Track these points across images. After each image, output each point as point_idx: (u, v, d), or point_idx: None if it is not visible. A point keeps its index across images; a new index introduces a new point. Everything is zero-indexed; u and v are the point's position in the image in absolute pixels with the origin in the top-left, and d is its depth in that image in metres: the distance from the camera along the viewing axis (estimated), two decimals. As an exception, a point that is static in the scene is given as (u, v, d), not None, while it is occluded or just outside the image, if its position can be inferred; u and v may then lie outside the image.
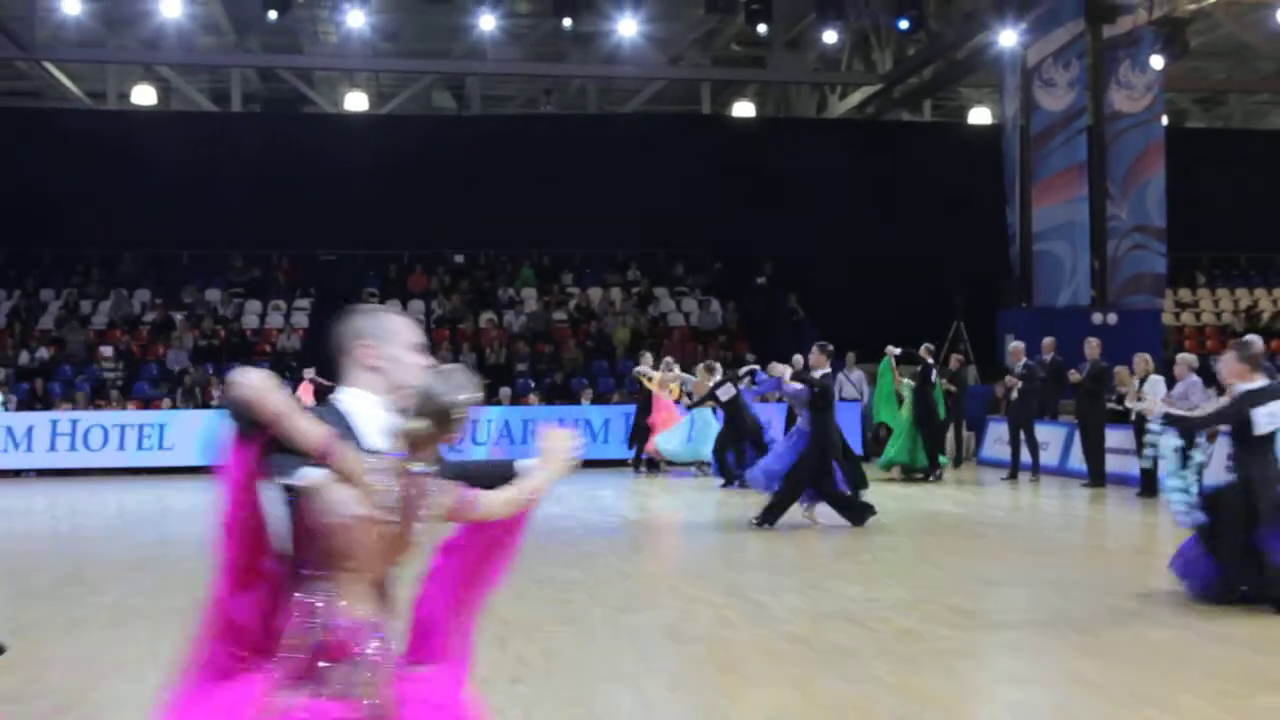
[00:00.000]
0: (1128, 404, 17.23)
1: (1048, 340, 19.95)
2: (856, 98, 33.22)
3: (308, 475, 3.21)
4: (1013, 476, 19.51)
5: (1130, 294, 25.98)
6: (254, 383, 3.25)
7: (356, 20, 25.05)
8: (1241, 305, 30.96)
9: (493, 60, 29.29)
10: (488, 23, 23.28)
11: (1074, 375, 18.50)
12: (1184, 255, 29.48)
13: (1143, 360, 17.28)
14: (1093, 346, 18.62)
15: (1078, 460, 19.22)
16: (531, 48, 30.45)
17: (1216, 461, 12.10)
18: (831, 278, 28.81)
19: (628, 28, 23.32)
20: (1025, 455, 19.49)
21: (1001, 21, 24.52)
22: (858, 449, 20.96)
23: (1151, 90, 26.42)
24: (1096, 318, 24.30)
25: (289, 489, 3.25)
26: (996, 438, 21.71)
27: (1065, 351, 19.50)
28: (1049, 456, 20.12)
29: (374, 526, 3.26)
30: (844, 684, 6.76)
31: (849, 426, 21.66)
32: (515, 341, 27.50)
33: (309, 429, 3.24)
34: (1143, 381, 17.01)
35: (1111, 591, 9.71)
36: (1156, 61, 25.62)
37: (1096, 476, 18.28)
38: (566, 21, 23.09)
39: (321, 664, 3.26)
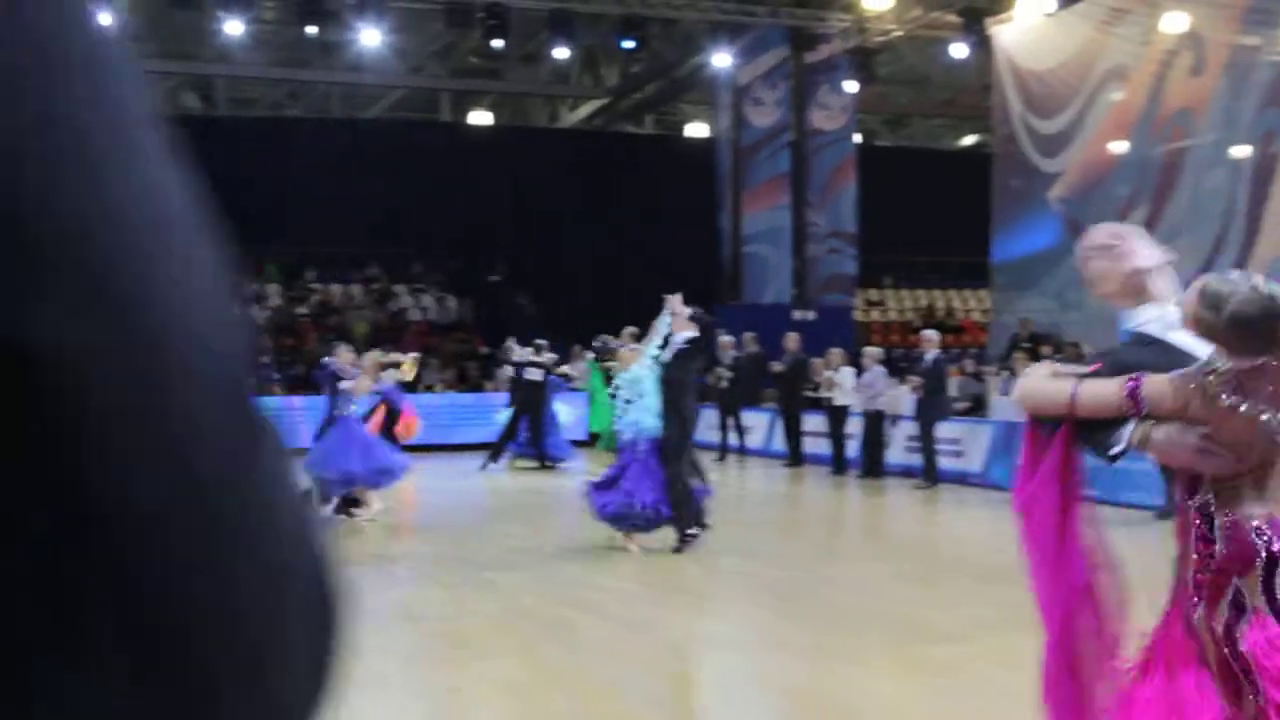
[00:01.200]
0: (822, 392, 17.90)
1: (749, 334, 20.53)
2: (585, 110, 33.50)
3: (1127, 437, 2.97)
4: (721, 458, 20.02)
5: (826, 293, 26.96)
6: (1024, 388, 3.19)
7: (103, 20, 23.78)
8: (921, 304, 32.43)
9: (239, 64, 28.35)
10: (234, 27, 22.47)
11: (775, 366, 19.10)
12: (873, 259, 30.65)
13: (836, 353, 18.02)
14: (792, 340, 19.24)
15: (779, 443, 19.85)
16: (277, 52, 29.57)
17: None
18: (560, 276, 28.96)
19: (371, 37, 22.87)
20: (733, 438, 20.05)
21: (716, 45, 25.07)
22: (585, 436, 21.30)
23: (846, 111, 27.46)
24: (797, 314, 25.11)
25: (1115, 457, 3.02)
26: (707, 423, 22.19)
27: (769, 345, 20.09)
28: (753, 440, 20.71)
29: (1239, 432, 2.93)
30: (564, 652, 6.82)
31: (582, 416, 22.01)
32: (259, 335, 26.68)
33: (1104, 393, 2.98)
34: (834, 371, 17.73)
35: (805, 559, 10.08)
36: (850, 86, 26.62)
37: (795, 457, 18.93)
38: (312, 29, 22.49)
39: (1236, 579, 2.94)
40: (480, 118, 34.33)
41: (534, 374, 19.13)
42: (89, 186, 0.41)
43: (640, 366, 10.48)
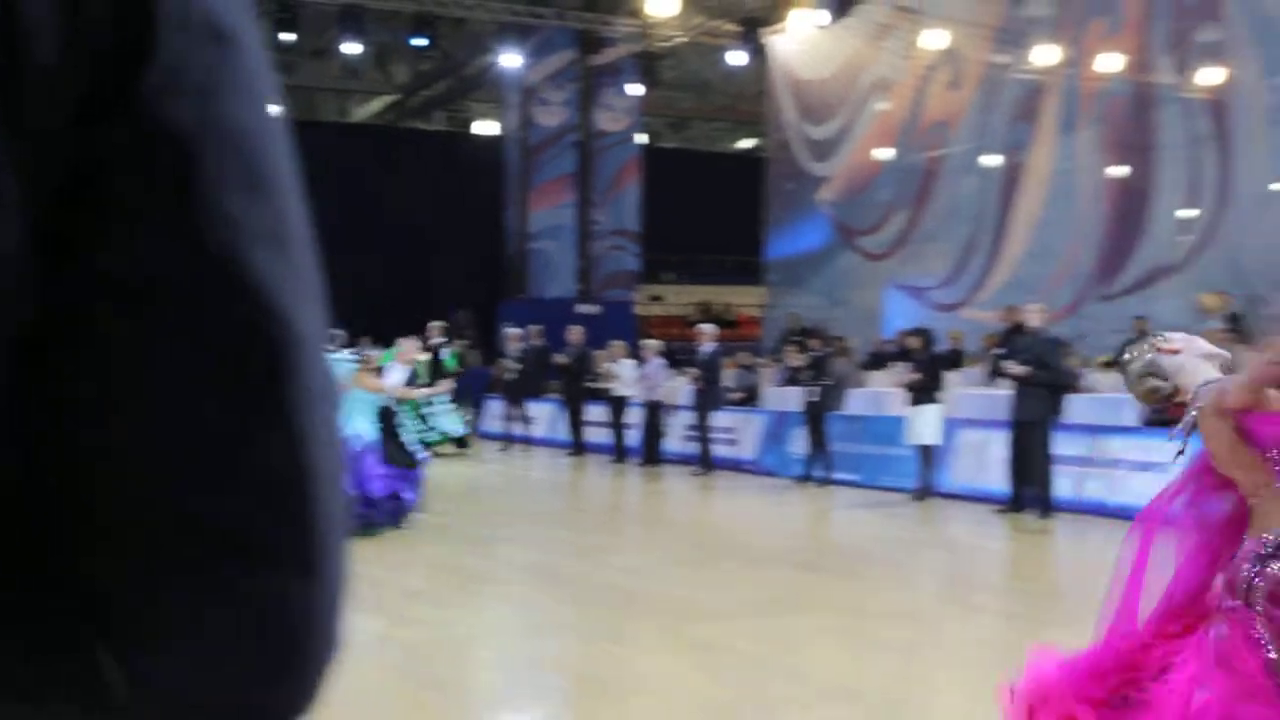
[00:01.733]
0: (604, 384, 17.97)
1: (535, 328, 20.47)
2: (376, 105, 32.89)
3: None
4: (507, 448, 19.92)
5: (609, 288, 27.11)
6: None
7: None
8: (699, 299, 32.90)
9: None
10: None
11: (559, 358, 19.09)
12: (654, 256, 30.97)
13: (617, 346, 18.11)
14: (575, 333, 19.24)
15: (563, 432, 19.83)
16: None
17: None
18: (347, 267, 28.35)
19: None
20: (519, 428, 19.98)
21: (505, 45, 24.92)
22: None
23: (630, 113, 27.67)
24: (581, 308, 25.17)
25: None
26: (494, 414, 22.04)
27: (553, 338, 20.05)
28: (538, 429, 20.64)
29: None
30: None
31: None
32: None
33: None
34: (615, 363, 17.82)
35: (586, 545, 10.09)
36: (635, 89, 26.81)
37: (578, 446, 18.95)
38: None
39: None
40: (271, 111, 33.35)
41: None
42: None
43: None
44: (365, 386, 10.51)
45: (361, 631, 6.76)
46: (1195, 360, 2.85)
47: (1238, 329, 13.07)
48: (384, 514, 10.19)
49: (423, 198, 29.86)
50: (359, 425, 10.21)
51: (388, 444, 10.55)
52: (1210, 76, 17.33)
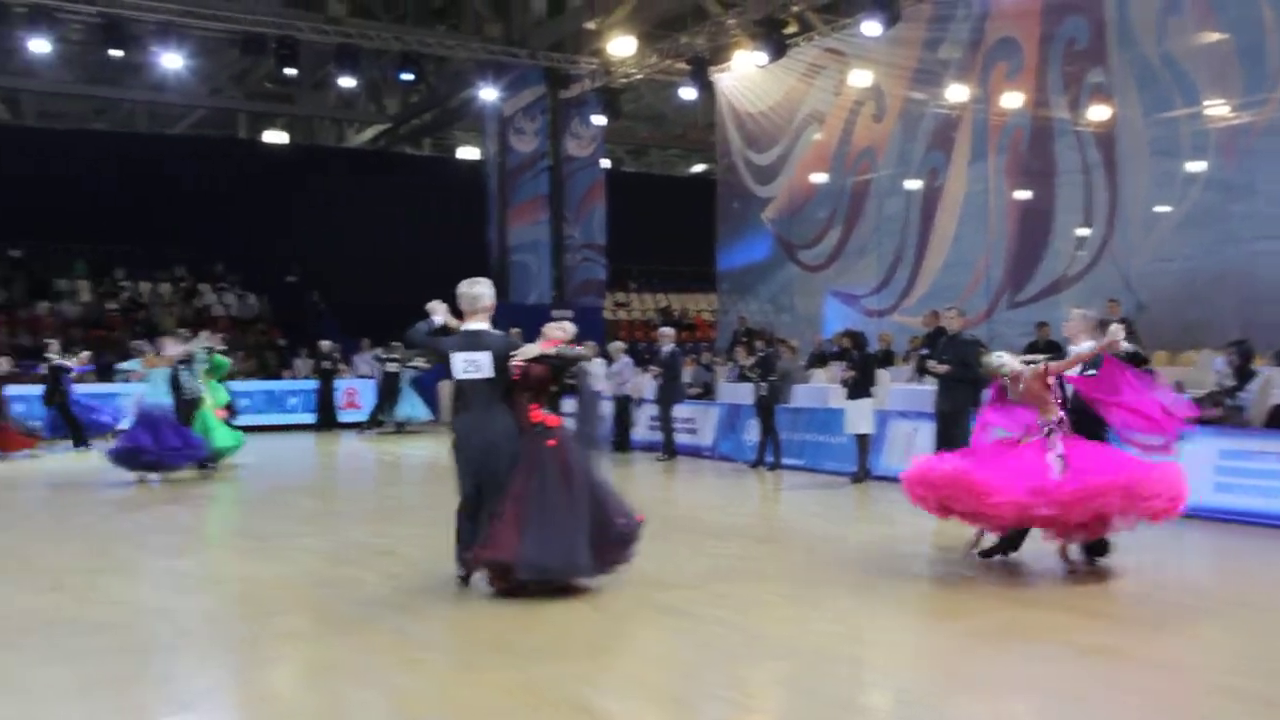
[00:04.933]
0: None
1: (516, 330, 20.33)
2: (370, 133, 32.72)
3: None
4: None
5: (581, 295, 27.10)
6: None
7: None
8: (660, 305, 32.99)
9: (46, 80, 26.47)
10: (40, 45, 20.86)
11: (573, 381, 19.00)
12: (620, 266, 31.00)
13: (588, 346, 18.09)
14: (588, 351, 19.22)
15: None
16: (85, 70, 27.76)
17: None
18: (347, 277, 28.23)
19: (172, 61, 21.65)
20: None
21: (483, 80, 24.83)
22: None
23: (595, 141, 27.64)
24: (556, 313, 25.10)
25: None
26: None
27: (533, 339, 19.94)
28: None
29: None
30: (353, 608, 6.66)
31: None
32: (70, 328, 25.02)
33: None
34: (588, 362, 17.82)
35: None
36: (598, 119, 26.79)
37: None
38: (116, 51, 21.14)
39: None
40: (275, 136, 33.08)
41: (392, 366, 21.78)
42: None
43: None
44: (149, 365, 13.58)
45: (366, 602, 6.75)
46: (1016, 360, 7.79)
47: (1130, 331, 13.25)
48: (182, 458, 13.29)
49: (413, 215, 29.74)
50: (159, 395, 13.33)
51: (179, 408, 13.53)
52: (1099, 113, 17.54)
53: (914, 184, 20.81)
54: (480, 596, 6.88)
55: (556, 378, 7.25)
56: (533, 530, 6.57)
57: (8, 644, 5.87)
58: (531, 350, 7.02)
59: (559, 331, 7.46)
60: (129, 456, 13.27)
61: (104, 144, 29.07)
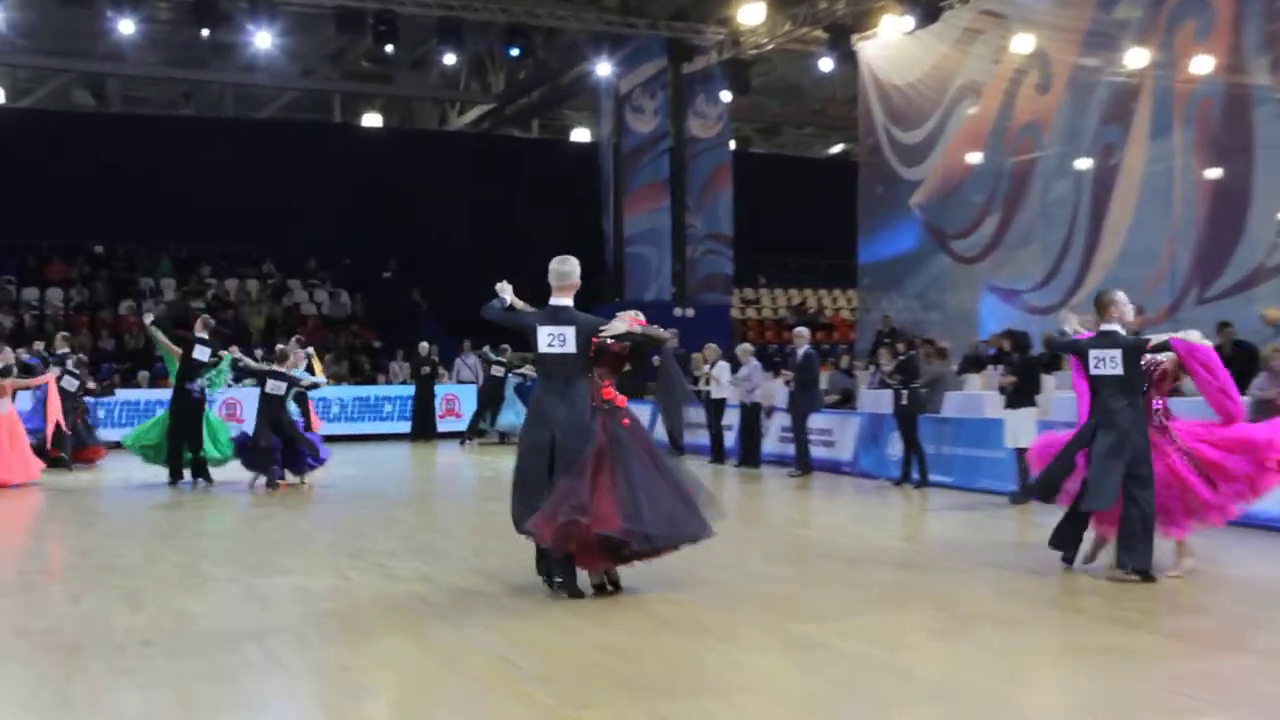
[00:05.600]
0: (701, 386, 17.99)
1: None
2: (473, 114, 33.28)
3: None
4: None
5: (704, 291, 27.15)
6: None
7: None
8: (793, 302, 32.85)
9: (132, 63, 27.57)
10: (127, 27, 21.77)
11: (657, 361, 19.09)
12: (748, 259, 31.00)
13: (712, 348, 18.13)
14: (671, 336, 19.28)
15: (661, 434, 19.85)
16: (171, 52, 28.84)
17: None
18: (448, 273, 28.71)
19: (263, 40, 22.38)
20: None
21: (598, 54, 25.07)
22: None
23: (721, 120, 27.67)
24: (677, 311, 25.28)
25: None
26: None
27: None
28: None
29: None
30: (454, 632, 6.77)
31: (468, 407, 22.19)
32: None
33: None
34: (712, 366, 17.84)
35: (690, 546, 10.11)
36: (725, 95, 26.81)
37: (676, 449, 18.98)
38: (205, 31, 21.94)
39: None
40: (371, 120, 33.90)
41: (498, 370, 22.35)
42: None
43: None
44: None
45: (475, 626, 6.88)
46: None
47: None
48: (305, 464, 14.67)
49: (520, 203, 30.15)
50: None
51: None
52: (1307, 76, 16.90)
53: (1085, 163, 20.34)
54: (590, 622, 6.93)
55: (633, 357, 8.05)
56: (633, 501, 7.33)
57: (109, 664, 6.12)
58: (619, 327, 7.73)
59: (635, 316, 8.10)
60: (263, 457, 14.62)
61: (190, 130, 30.13)
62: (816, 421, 16.63)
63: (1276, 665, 6.14)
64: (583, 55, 26.21)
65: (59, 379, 17.49)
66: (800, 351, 16.42)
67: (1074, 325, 8.80)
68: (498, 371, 22.26)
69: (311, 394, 17.27)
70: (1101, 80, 20.00)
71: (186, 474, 15.15)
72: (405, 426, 23.64)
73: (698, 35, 25.88)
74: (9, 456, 15.12)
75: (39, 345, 20.99)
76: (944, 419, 15.04)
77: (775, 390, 17.63)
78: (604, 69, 25.37)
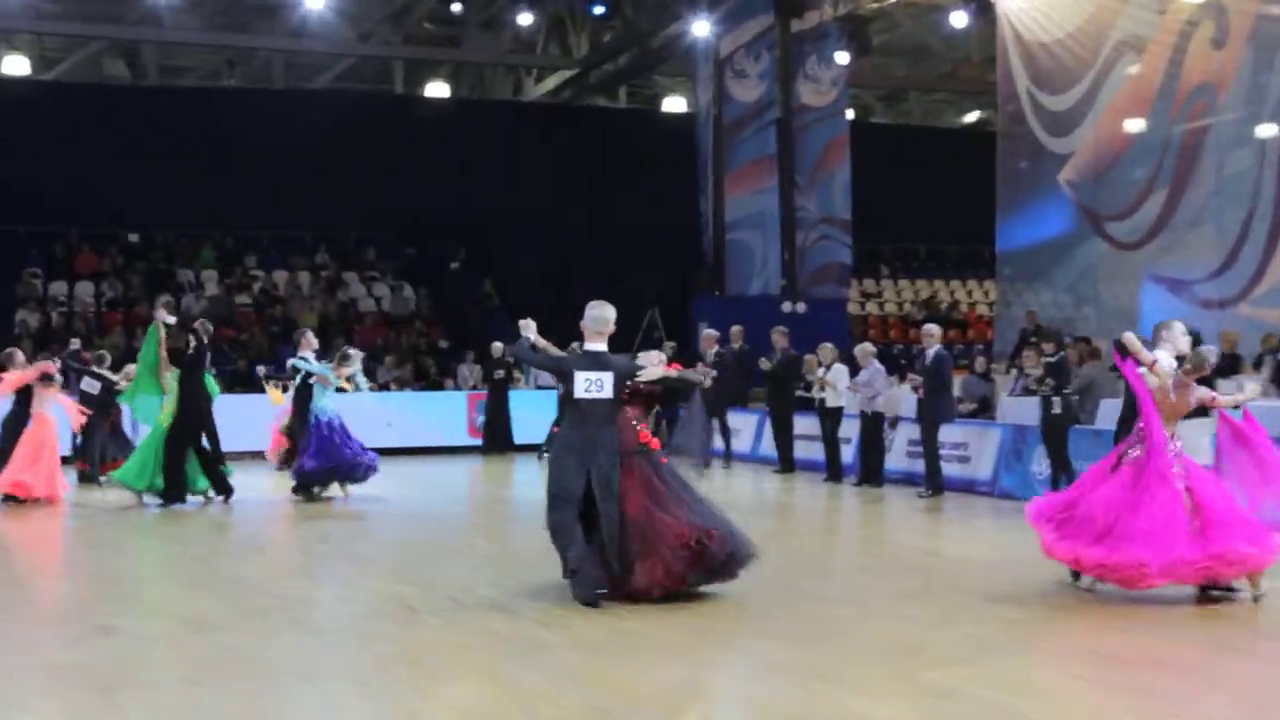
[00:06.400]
0: (814, 392, 17.96)
1: (736, 329, 20.54)
2: (552, 82, 33.49)
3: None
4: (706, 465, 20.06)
5: (818, 284, 27.07)
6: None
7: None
8: (921, 295, 32.63)
9: (170, 28, 28.19)
10: (164, -12, 22.31)
11: (764, 364, 19.15)
12: (868, 247, 30.85)
13: (827, 349, 18.08)
14: (780, 335, 19.29)
15: (769, 447, 19.91)
16: (213, 16, 29.44)
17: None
18: (525, 264, 28.90)
19: (316, 1, 22.79)
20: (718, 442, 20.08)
21: (695, 11, 25.14)
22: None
23: (837, 85, 27.58)
24: (786, 306, 25.24)
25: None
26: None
27: (756, 339, 20.13)
28: (740, 443, 20.76)
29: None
30: (535, 675, 6.84)
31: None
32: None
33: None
34: (827, 369, 17.78)
35: (797, 574, 10.13)
36: (841, 57, 26.73)
37: (786, 463, 19.00)
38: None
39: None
40: (437, 89, 34.28)
41: None
42: None
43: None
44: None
45: (555, 668, 6.96)
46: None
47: None
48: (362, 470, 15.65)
49: (605, 183, 30.29)
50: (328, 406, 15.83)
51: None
52: None
53: (1269, 130, 20.00)
54: (694, 666, 6.97)
55: (665, 399, 9.76)
56: (708, 521, 8.82)
57: (145, 702, 6.29)
58: (655, 372, 9.19)
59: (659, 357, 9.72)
60: (323, 476, 15.64)
61: (234, 103, 30.68)
62: (949, 434, 16.50)
63: None
64: (677, 13, 26.28)
65: (78, 380, 17.92)
66: (930, 353, 16.31)
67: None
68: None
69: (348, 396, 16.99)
70: (1289, 32, 19.71)
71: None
72: (477, 439, 23.77)
73: (810, -13, 25.85)
74: (35, 463, 15.49)
75: (75, 344, 21.51)
76: (1099, 431, 14.84)
77: (900, 398, 17.54)
78: (701, 28, 25.42)
